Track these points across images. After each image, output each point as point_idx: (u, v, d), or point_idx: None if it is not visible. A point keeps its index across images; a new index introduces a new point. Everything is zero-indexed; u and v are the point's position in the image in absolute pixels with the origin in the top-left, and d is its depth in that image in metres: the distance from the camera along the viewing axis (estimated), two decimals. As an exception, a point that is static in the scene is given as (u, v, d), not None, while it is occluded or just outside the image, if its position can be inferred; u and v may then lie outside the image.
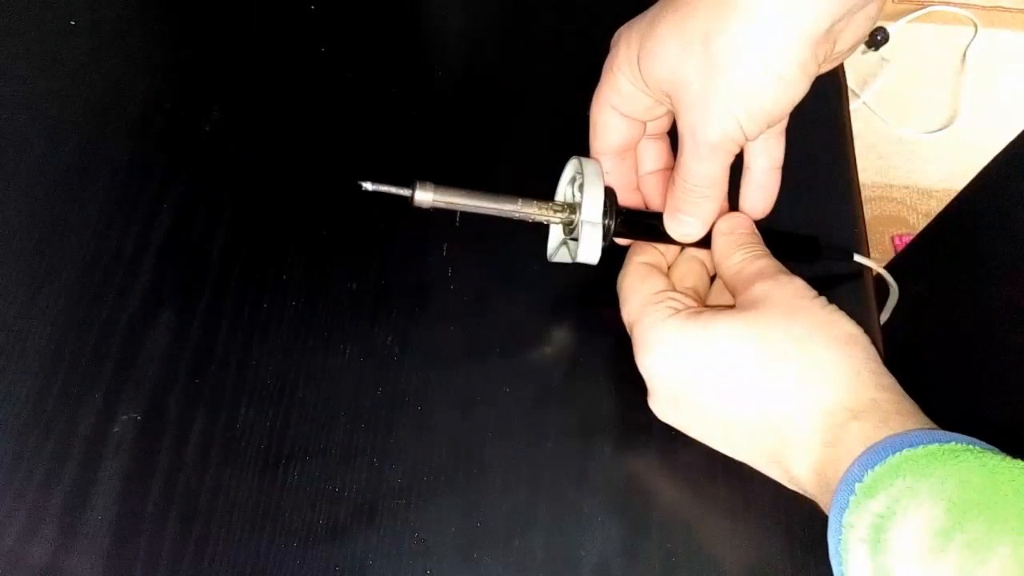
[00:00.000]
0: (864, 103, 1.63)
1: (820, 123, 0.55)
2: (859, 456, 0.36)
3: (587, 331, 0.48)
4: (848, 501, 0.35)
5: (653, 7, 0.42)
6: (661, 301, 0.43)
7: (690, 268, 0.47)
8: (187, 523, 0.42)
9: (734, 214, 0.46)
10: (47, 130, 0.53)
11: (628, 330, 0.44)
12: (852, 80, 1.64)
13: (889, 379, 0.39)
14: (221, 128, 0.53)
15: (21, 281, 0.47)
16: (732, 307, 0.43)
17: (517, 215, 0.43)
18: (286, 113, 0.54)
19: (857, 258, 0.49)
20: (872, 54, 1.68)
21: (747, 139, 0.41)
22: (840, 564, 0.36)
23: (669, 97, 0.41)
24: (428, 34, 0.61)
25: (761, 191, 0.46)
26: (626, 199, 0.46)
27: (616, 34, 0.44)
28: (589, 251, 0.44)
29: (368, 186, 0.41)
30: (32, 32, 0.57)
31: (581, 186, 0.44)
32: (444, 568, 0.41)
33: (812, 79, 0.40)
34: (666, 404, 0.43)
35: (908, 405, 0.38)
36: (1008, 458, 0.35)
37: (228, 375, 0.45)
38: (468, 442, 0.44)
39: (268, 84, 0.55)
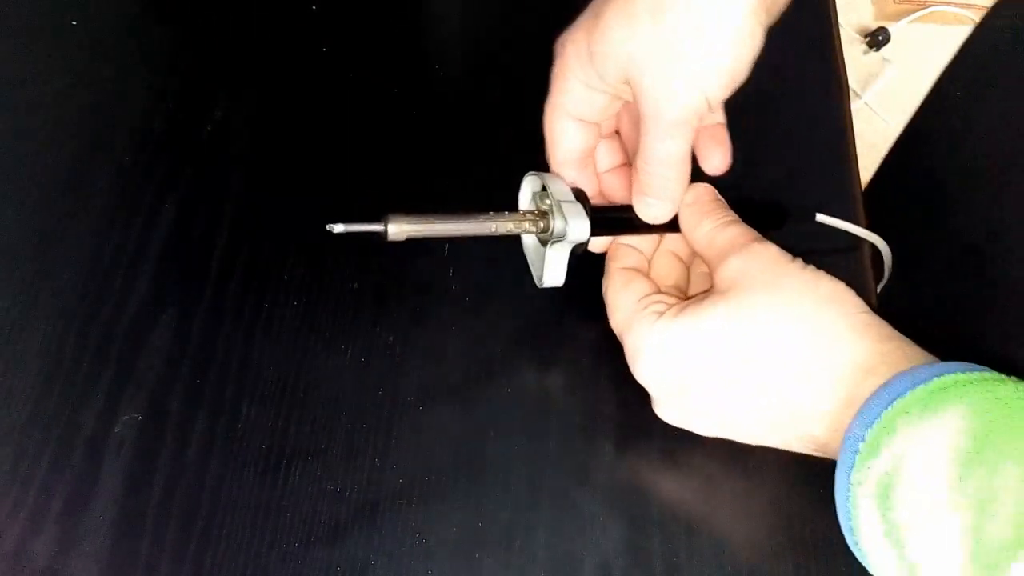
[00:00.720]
0: (865, 103, 1.63)
1: (821, 123, 0.55)
2: (859, 412, 0.36)
3: (589, 331, 0.47)
4: (854, 460, 0.35)
5: (590, 7, 0.42)
6: (647, 307, 0.42)
7: (669, 264, 0.47)
8: (188, 523, 0.42)
9: (696, 185, 0.45)
10: (48, 131, 0.53)
11: (620, 339, 0.44)
12: (853, 80, 1.64)
13: (887, 328, 0.39)
14: (222, 128, 0.53)
15: (22, 281, 0.47)
16: (711, 291, 0.42)
17: (492, 230, 0.43)
18: (287, 113, 0.54)
19: (820, 217, 0.48)
20: (873, 54, 1.68)
21: (711, 109, 0.40)
22: (849, 519, 0.36)
23: (628, 83, 0.40)
24: (429, 34, 0.61)
25: (718, 144, 0.45)
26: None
27: (559, 41, 0.43)
28: (579, 228, 0.43)
29: (338, 228, 0.39)
30: (33, 32, 0.57)
31: (544, 196, 0.44)
32: (446, 568, 0.41)
33: (765, 30, 0.39)
34: (671, 408, 0.43)
35: (912, 350, 0.38)
36: (997, 384, 0.34)
37: (229, 375, 0.45)
38: (469, 442, 0.44)
39: (269, 84, 0.55)
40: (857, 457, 0.35)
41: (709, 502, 0.44)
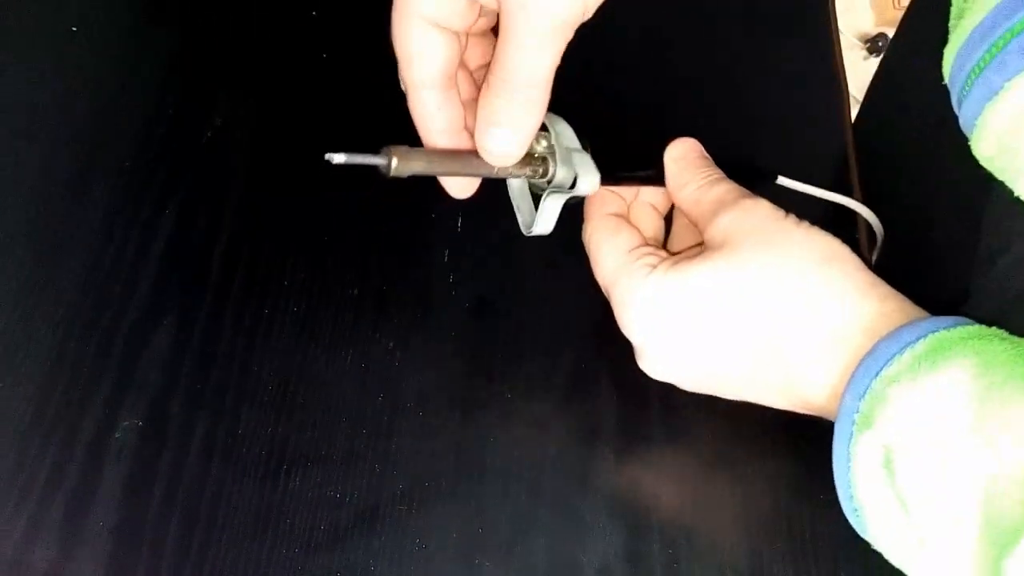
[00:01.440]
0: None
1: (821, 128, 0.55)
2: (849, 381, 0.35)
3: (589, 336, 0.47)
4: (851, 431, 0.34)
5: None
6: (638, 259, 0.41)
7: (647, 215, 0.45)
8: (188, 529, 0.42)
9: (682, 140, 0.43)
10: (48, 136, 0.53)
11: (604, 290, 0.42)
12: (853, 86, 1.63)
13: (886, 286, 0.38)
14: (223, 134, 0.53)
15: (22, 286, 0.47)
16: (701, 246, 0.41)
17: (493, 172, 0.39)
18: (288, 119, 0.54)
19: (782, 180, 0.47)
20: (874, 60, 1.68)
21: (584, 18, 0.34)
22: (849, 487, 0.35)
23: None
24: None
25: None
26: (456, 142, 0.39)
27: None
28: (589, 182, 0.40)
29: (338, 158, 0.35)
30: (33, 38, 0.57)
31: (543, 138, 0.40)
32: (446, 574, 0.41)
33: None
34: (657, 362, 0.42)
35: (913, 309, 0.37)
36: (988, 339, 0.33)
37: (229, 381, 0.45)
38: (469, 448, 0.44)
39: (270, 90, 0.55)
40: (854, 428, 0.34)
41: (709, 507, 0.44)
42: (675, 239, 0.45)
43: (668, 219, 0.46)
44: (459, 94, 0.39)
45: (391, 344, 0.47)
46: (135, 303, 0.47)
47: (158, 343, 0.46)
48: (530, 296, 0.48)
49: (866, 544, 0.39)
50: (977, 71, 0.36)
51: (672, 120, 0.54)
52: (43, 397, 0.44)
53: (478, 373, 0.46)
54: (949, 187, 0.48)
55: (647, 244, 0.42)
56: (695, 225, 0.42)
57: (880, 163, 0.55)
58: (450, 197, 0.42)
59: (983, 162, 0.38)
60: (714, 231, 0.40)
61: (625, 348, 0.44)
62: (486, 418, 0.45)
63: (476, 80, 0.41)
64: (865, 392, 0.34)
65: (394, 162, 0.36)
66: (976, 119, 0.37)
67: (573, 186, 0.40)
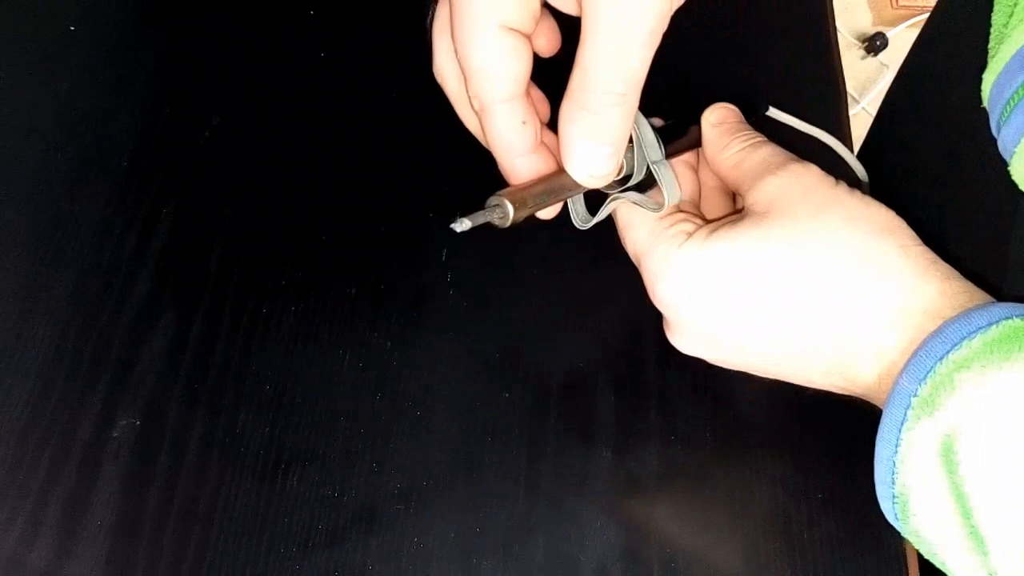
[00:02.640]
0: (864, 108, 1.63)
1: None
2: (909, 362, 0.32)
3: (586, 336, 0.47)
4: (904, 415, 0.32)
5: None
6: (673, 225, 0.38)
7: (684, 175, 0.42)
8: (186, 529, 0.42)
9: (720, 104, 0.41)
10: (46, 136, 0.53)
11: (634, 260, 0.40)
12: (851, 86, 1.64)
13: (945, 265, 0.35)
14: (221, 134, 0.53)
15: (20, 286, 0.47)
16: (739, 213, 0.37)
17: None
18: (285, 119, 0.54)
19: (773, 112, 0.46)
20: (871, 59, 1.68)
21: (673, 7, 0.31)
22: (892, 473, 0.33)
23: None
24: (429, 38, 0.61)
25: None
26: (538, 162, 0.36)
27: None
28: (671, 195, 0.38)
29: (464, 226, 0.33)
30: (31, 38, 0.57)
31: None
32: (443, 574, 0.41)
33: None
34: (689, 337, 0.39)
35: (975, 292, 0.34)
36: None
37: (227, 380, 0.45)
38: (467, 447, 0.44)
39: (267, 90, 0.55)
40: (909, 411, 0.32)
41: (707, 507, 0.44)
42: (704, 208, 0.42)
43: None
44: (532, 107, 0.35)
45: (389, 344, 0.47)
46: (133, 303, 0.47)
47: (156, 342, 0.46)
48: (529, 296, 0.48)
49: (863, 543, 0.40)
50: (1017, 97, 0.35)
51: (670, 119, 0.54)
52: (41, 396, 0.44)
53: (476, 372, 0.46)
54: (972, 202, 0.47)
55: (681, 210, 0.39)
56: (735, 190, 0.39)
57: (892, 173, 0.54)
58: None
59: (1022, 187, 0.36)
60: (758, 196, 0.37)
61: (623, 347, 0.44)
62: (484, 418, 0.45)
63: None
64: (927, 375, 0.31)
65: (510, 210, 0.33)
66: (1016, 146, 0.36)
67: (640, 188, 0.38)
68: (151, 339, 0.46)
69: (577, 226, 0.40)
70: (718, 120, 0.41)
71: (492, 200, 0.34)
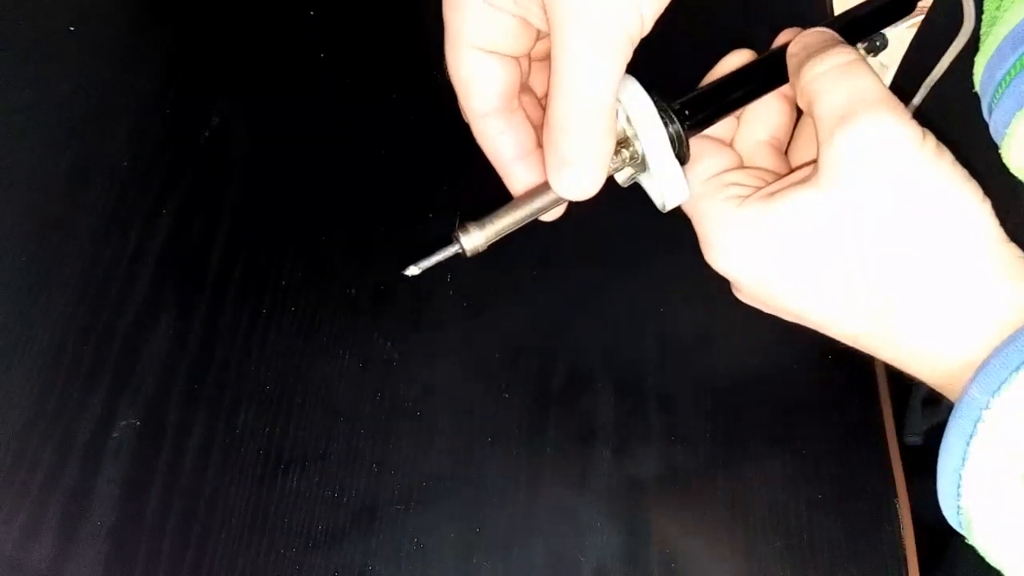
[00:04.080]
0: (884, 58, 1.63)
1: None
2: (978, 372, 0.30)
3: (586, 336, 0.48)
4: (975, 429, 0.30)
5: None
6: (722, 188, 0.35)
7: (769, 110, 0.38)
8: (186, 529, 0.42)
9: (811, 30, 0.36)
10: (46, 136, 0.53)
11: (690, 219, 0.37)
12: (851, 85, 1.63)
13: (1020, 251, 0.32)
14: (220, 134, 0.53)
15: (20, 286, 0.47)
16: (813, 171, 0.34)
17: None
18: (285, 119, 0.54)
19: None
20: (871, 59, 1.68)
21: (643, 34, 0.31)
22: (957, 486, 0.31)
23: None
24: (428, 38, 0.61)
25: None
26: (531, 166, 0.37)
27: None
28: (670, 194, 0.35)
29: (414, 270, 0.35)
30: (32, 37, 0.57)
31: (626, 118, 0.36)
32: (443, 574, 0.41)
33: None
34: (753, 297, 0.37)
35: None
36: None
37: (227, 381, 0.45)
38: (467, 448, 0.44)
39: (267, 90, 0.55)
40: (979, 425, 0.30)
41: (705, 507, 0.44)
42: (794, 150, 0.39)
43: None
44: (527, 116, 0.37)
45: (389, 344, 0.47)
46: (133, 303, 0.47)
47: (156, 343, 0.46)
48: (528, 296, 0.48)
49: (863, 543, 0.40)
50: (1008, 79, 0.35)
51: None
52: (41, 397, 0.44)
53: (476, 373, 0.46)
54: None
55: (737, 168, 0.37)
56: (815, 129, 0.34)
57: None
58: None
59: (1013, 171, 0.36)
60: (833, 152, 0.32)
61: (623, 348, 0.44)
62: (484, 418, 0.45)
63: (543, 105, 0.38)
64: (1000, 388, 0.29)
65: (466, 243, 0.35)
66: (1007, 127, 0.35)
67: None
68: (151, 339, 0.46)
69: (661, 210, 0.38)
70: (805, 42, 0.35)
71: (453, 235, 0.35)
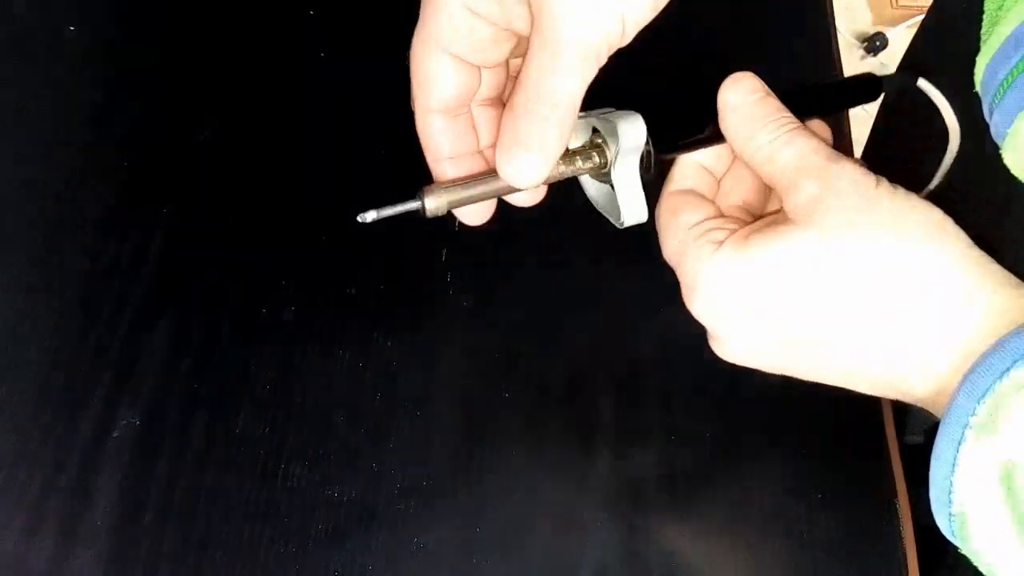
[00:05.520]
0: (863, 109, 1.63)
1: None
2: (965, 379, 0.31)
3: (586, 336, 0.48)
4: (963, 435, 0.30)
5: None
6: (702, 235, 0.36)
7: (745, 177, 0.39)
8: (186, 528, 0.42)
9: (739, 75, 0.37)
10: (45, 137, 0.53)
11: (675, 271, 0.38)
12: (851, 85, 1.63)
13: (1002, 272, 0.33)
14: (220, 133, 0.53)
15: (20, 287, 0.47)
16: (779, 213, 0.36)
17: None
18: (286, 117, 0.54)
19: (922, 84, 0.42)
20: (871, 60, 1.68)
21: (622, 43, 0.32)
22: (948, 493, 0.31)
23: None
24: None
25: None
26: (465, 167, 0.37)
27: None
28: (633, 132, 0.36)
29: (370, 216, 0.35)
30: (30, 40, 0.57)
31: (587, 126, 0.37)
32: (443, 573, 0.41)
33: None
34: (731, 347, 0.37)
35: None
36: None
37: (227, 380, 0.45)
38: (467, 447, 0.44)
39: (267, 90, 0.55)
40: (967, 431, 0.30)
41: (706, 507, 0.44)
42: (725, 190, 0.40)
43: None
44: (471, 123, 0.37)
45: (389, 344, 0.47)
46: (133, 303, 0.47)
47: (156, 343, 0.46)
48: (528, 296, 0.48)
49: (863, 543, 0.40)
50: (1010, 80, 0.35)
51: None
52: (41, 396, 0.44)
53: (476, 373, 0.46)
54: (969, 191, 0.46)
55: (720, 216, 0.38)
56: (772, 187, 0.36)
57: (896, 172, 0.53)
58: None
59: (1013, 171, 0.36)
60: (796, 200, 0.34)
61: (623, 348, 0.44)
62: (484, 418, 0.45)
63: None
64: (985, 394, 0.30)
65: (427, 202, 0.35)
66: (1007, 128, 0.35)
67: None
68: (151, 339, 0.46)
69: (618, 226, 0.39)
70: (738, 102, 0.37)
71: (417, 193, 0.35)
